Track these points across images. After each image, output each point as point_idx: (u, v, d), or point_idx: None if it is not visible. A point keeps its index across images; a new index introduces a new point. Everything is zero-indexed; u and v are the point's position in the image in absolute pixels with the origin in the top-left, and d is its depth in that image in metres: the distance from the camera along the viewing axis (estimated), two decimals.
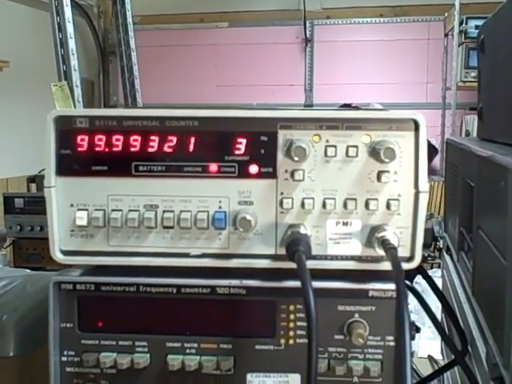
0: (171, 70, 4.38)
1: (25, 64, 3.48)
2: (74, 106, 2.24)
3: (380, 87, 4.14)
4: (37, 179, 2.37)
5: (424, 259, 2.55)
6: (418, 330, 0.58)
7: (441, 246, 2.87)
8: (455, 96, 3.50)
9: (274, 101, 4.20)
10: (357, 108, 3.44)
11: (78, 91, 2.23)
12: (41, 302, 0.59)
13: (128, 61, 2.73)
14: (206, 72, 4.37)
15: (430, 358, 1.36)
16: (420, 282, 0.81)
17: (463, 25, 3.44)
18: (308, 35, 4.27)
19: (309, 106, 4.27)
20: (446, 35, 3.84)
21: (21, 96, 3.45)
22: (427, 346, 1.57)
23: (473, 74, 3.42)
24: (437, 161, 3.78)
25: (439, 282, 1.02)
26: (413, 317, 0.67)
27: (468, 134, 3.47)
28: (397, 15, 4.18)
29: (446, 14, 3.75)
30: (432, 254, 2.68)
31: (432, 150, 3.64)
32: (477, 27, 3.33)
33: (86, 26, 4.41)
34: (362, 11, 4.18)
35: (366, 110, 0.61)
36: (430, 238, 2.45)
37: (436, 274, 2.38)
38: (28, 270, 0.90)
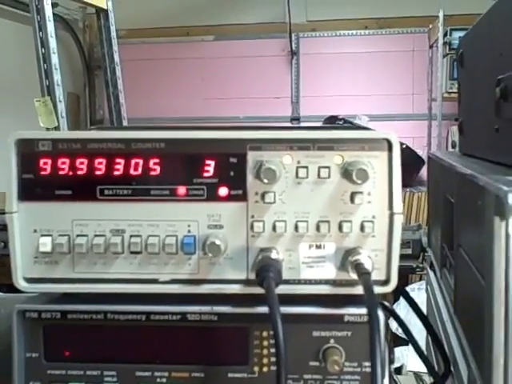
0: (158, 84, 4.36)
1: (8, 79, 3.46)
2: (58, 122, 2.21)
3: (366, 99, 4.15)
4: None
5: (412, 270, 2.54)
6: (405, 343, 0.56)
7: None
8: (441, 107, 3.51)
9: (261, 114, 4.20)
10: (343, 120, 3.44)
11: (61, 106, 2.21)
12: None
13: (112, 75, 2.71)
14: (192, 85, 4.37)
15: (416, 374, 1.34)
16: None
17: (447, 36, 3.47)
18: (294, 48, 4.28)
19: (295, 118, 4.27)
20: (431, 47, 3.86)
21: (4, 111, 3.42)
22: (416, 359, 1.56)
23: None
24: (423, 171, 3.78)
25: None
26: (401, 330, 0.65)
27: (454, 145, 3.48)
28: (381, 27, 4.20)
29: (431, 26, 3.77)
30: (420, 265, 2.66)
31: (419, 161, 3.64)
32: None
33: (72, 40, 4.39)
34: (347, 23, 4.20)
35: (338, 129, 0.60)
36: (419, 249, 2.43)
37: (423, 287, 2.37)
38: (0, 293, 0.88)
